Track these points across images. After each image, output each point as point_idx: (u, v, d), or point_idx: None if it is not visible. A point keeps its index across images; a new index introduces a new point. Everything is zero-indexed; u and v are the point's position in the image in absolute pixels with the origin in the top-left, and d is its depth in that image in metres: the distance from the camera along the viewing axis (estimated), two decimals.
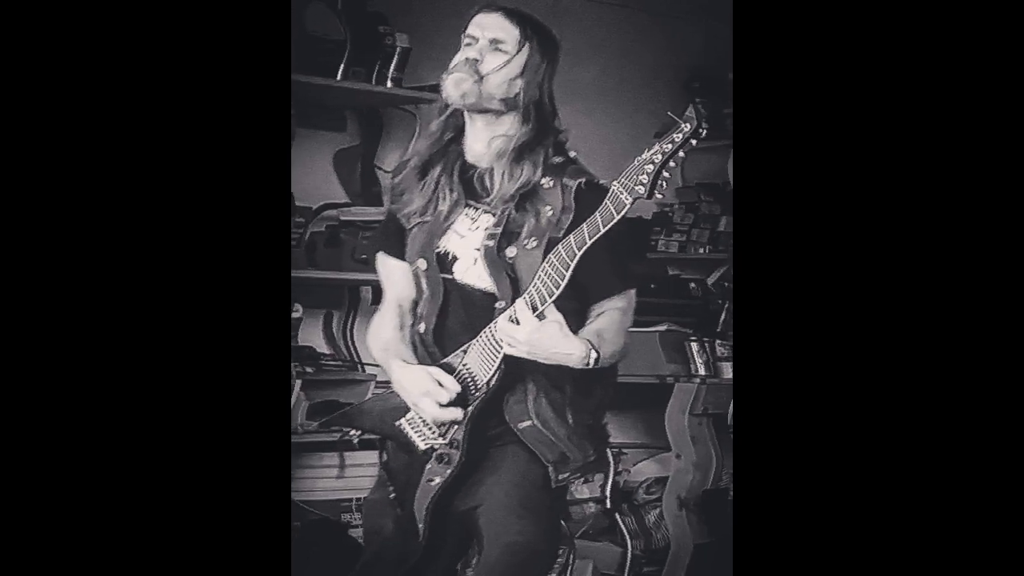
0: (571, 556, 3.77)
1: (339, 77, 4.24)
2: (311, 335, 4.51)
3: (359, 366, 4.47)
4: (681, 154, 2.36)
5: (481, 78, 2.61)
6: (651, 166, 2.36)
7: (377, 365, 2.92)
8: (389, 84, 4.36)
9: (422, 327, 2.70)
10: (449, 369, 2.63)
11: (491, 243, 2.60)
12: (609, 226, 2.40)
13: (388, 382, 2.77)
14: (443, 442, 2.63)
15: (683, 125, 2.35)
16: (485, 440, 2.63)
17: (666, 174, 2.37)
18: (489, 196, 2.64)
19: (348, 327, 4.59)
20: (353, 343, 4.56)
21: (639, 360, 4.30)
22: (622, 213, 2.39)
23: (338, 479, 4.05)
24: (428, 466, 2.64)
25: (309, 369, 4.18)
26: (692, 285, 5.07)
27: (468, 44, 2.66)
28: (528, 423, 2.59)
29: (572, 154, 2.67)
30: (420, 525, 2.63)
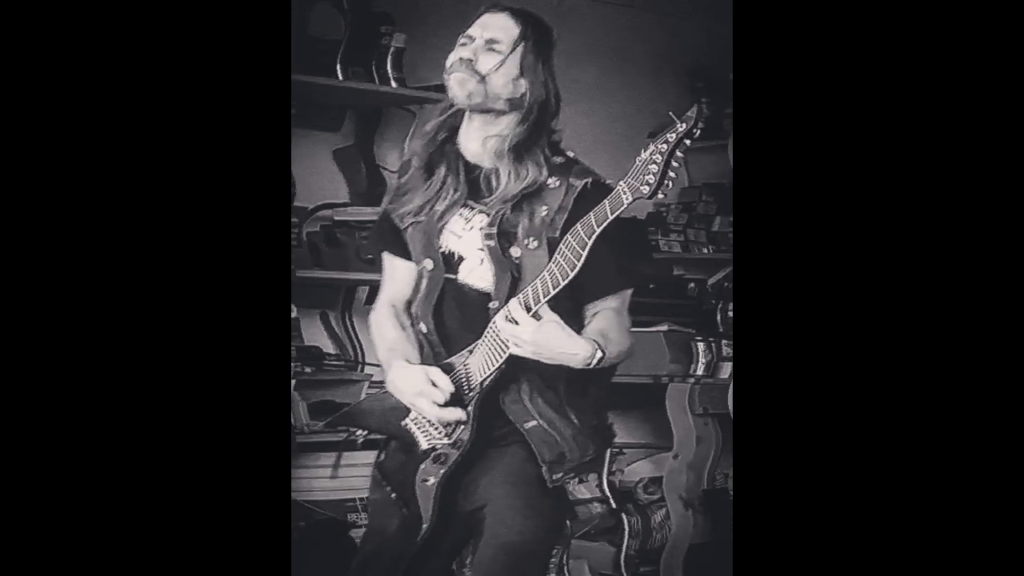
0: (566, 556, 3.77)
1: (340, 77, 4.24)
2: (315, 335, 4.51)
3: (360, 365, 4.46)
4: (679, 153, 2.36)
5: (483, 78, 2.62)
6: (655, 165, 2.35)
7: (378, 365, 2.92)
8: (393, 84, 4.36)
9: (423, 327, 2.70)
10: (449, 369, 2.63)
11: (492, 243, 2.60)
12: (604, 225, 2.40)
13: (381, 382, 2.77)
14: (448, 442, 2.63)
15: (678, 124, 2.35)
16: (489, 440, 2.63)
17: (672, 174, 2.36)
18: (491, 196, 2.64)
19: (349, 325, 4.58)
20: (358, 339, 4.56)
21: (642, 360, 4.29)
22: (617, 212, 2.39)
23: (332, 479, 4.05)
24: (422, 466, 2.65)
25: (308, 369, 4.17)
26: (691, 285, 5.06)
27: (463, 44, 2.66)
28: (534, 423, 2.59)
29: (571, 154, 2.67)
30: (424, 525, 2.63)
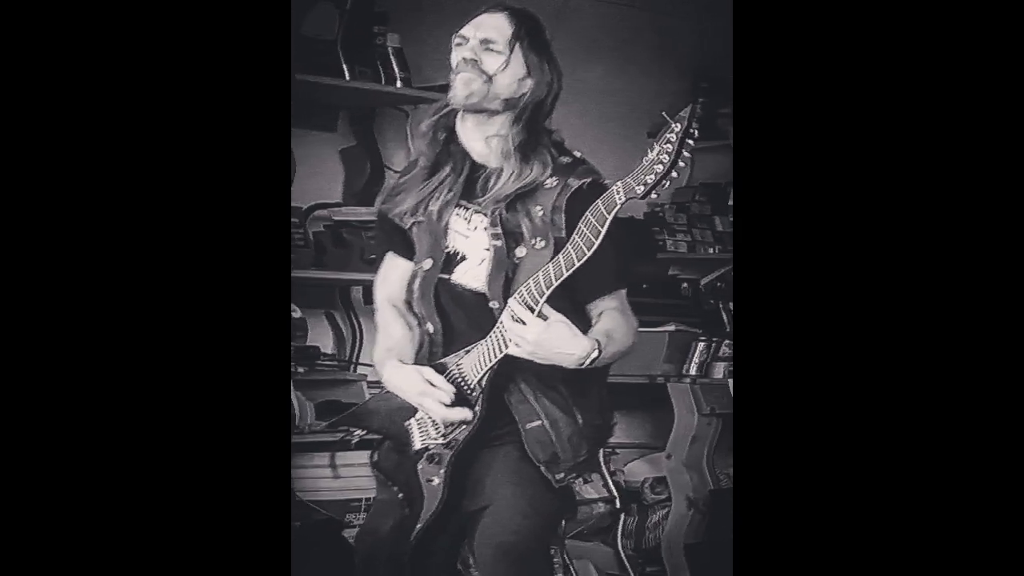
0: (564, 556, 3.77)
1: (347, 77, 4.23)
2: (320, 335, 4.50)
3: (352, 365, 4.46)
4: (687, 153, 2.35)
5: (490, 78, 2.61)
6: (660, 166, 2.35)
7: (370, 365, 2.91)
8: (398, 84, 4.35)
9: (430, 327, 2.69)
10: (441, 369, 2.63)
11: (499, 243, 2.60)
12: (606, 225, 2.40)
13: (378, 382, 2.77)
14: (442, 442, 2.63)
15: (674, 125, 2.35)
16: (483, 440, 2.63)
17: (674, 174, 2.36)
18: (484, 195, 2.63)
19: (356, 325, 4.57)
20: (362, 338, 4.54)
21: (636, 360, 4.28)
22: (613, 213, 2.39)
23: (335, 479, 4.05)
24: (420, 466, 2.65)
25: (300, 369, 4.16)
26: (684, 285, 5.04)
27: (459, 44, 2.66)
28: (537, 423, 2.59)
29: (577, 154, 2.67)
30: (418, 525, 2.63)
